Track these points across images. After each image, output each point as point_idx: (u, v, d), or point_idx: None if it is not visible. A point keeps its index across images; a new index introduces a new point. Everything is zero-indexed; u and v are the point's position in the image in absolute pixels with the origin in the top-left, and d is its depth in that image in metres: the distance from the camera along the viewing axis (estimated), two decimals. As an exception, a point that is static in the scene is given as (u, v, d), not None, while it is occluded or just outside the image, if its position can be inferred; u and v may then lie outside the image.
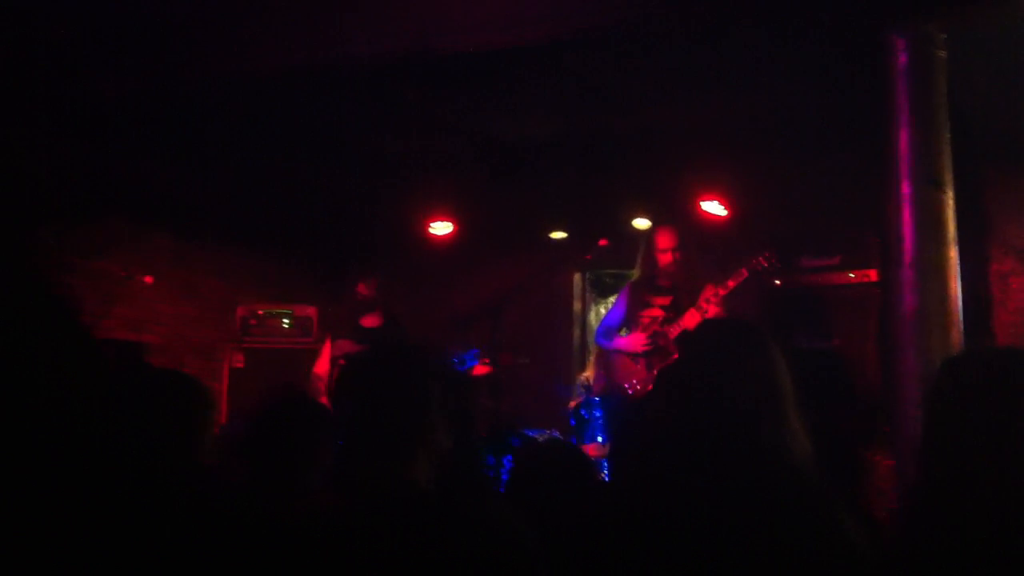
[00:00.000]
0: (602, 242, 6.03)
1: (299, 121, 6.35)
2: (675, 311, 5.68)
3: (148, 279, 6.25)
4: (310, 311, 7.01)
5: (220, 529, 1.71)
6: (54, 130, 6.01)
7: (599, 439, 5.77)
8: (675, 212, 6.31)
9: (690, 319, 5.52)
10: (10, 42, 5.15)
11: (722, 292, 5.44)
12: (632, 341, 5.75)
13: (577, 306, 8.53)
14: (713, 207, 6.56)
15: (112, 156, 6.52)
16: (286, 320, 6.98)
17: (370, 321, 6.31)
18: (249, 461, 2.51)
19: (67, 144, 6.20)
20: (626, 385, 5.72)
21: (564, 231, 7.79)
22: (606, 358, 5.94)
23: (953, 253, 4.07)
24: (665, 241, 5.75)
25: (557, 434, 5.88)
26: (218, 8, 5.03)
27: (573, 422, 5.99)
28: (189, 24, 5.12)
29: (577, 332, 8.47)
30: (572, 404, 6.13)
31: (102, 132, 6.19)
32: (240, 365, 6.90)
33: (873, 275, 5.81)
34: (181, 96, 5.63)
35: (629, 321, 5.83)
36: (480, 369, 5.74)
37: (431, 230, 7.72)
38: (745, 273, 5.45)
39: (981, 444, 1.59)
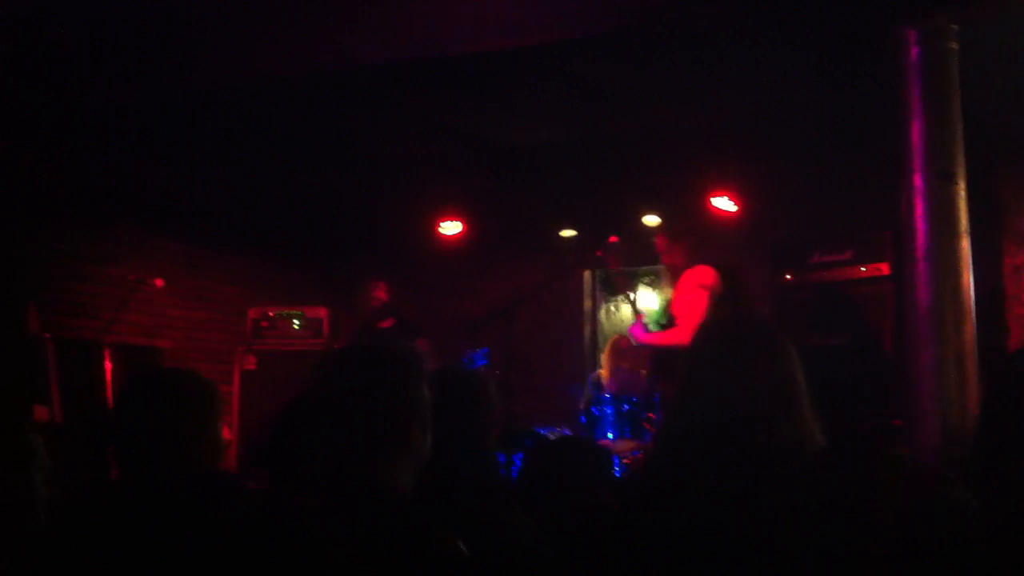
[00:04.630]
0: (612, 239, 5.97)
1: (309, 126, 6.36)
2: None
3: (159, 282, 6.25)
4: (321, 312, 7.01)
5: (225, 535, 1.69)
6: (66, 138, 6.04)
7: (610, 435, 5.74)
8: (684, 209, 6.25)
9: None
10: (21, 50, 5.17)
11: None
12: None
13: (587, 304, 8.50)
14: (723, 203, 6.53)
15: (123, 163, 6.55)
16: (297, 321, 6.98)
17: (385, 324, 6.32)
18: (268, 468, 2.49)
19: (79, 152, 6.22)
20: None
21: (574, 229, 7.77)
22: None
23: (966, 245, 4.05)
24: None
25: (568, 432, 5.86)
26: (227, 15, 5.04)
27: (584, 420, 5.97)
28: (199, 31, 5.14)
29: (588, 329, 8.44)
30: (583, 402, 6.10)
31: (113, 140, 6.22)
32: (252, 367, 6.90)
33: (885, 269, 5.77)
34: (191, 103, 5.65)
35: None
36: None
37: (441, 230, 7.72)
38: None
39: None
